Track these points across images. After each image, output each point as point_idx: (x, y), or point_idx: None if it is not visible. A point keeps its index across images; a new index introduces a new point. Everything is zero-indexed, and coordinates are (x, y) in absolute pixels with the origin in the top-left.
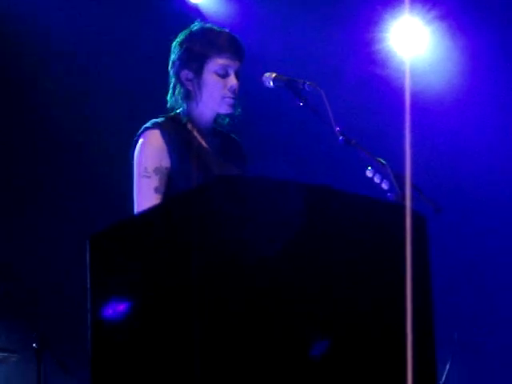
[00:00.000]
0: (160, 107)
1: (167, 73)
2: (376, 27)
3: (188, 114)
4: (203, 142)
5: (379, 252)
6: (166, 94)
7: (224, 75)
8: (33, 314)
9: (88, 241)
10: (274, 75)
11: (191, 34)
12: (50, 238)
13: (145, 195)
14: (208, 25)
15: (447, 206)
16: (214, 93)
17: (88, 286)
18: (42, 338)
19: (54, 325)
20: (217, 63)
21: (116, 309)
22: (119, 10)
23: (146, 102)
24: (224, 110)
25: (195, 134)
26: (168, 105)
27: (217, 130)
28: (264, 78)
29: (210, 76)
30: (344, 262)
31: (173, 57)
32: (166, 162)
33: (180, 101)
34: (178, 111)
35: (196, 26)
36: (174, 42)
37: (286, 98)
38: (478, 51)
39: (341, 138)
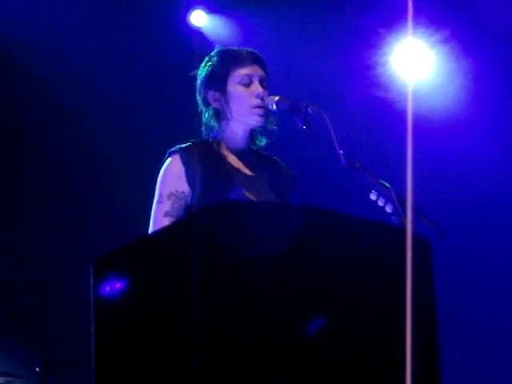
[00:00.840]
0: (166, 130)
1: (170, 96)
2: (379, 50)
3: (221, 135)
4: (236, 163)
5: (383, 276)
6: (172, 117)
7: (248, 84)
8: (36, 338)
9: (92, 264)
10: (277, 98)
11: (211, 57)
12: (55, 260)
13: (155, 219)
14: (225, 47)
15: (451, 229)
16: (242, 103)
17: (91, 310)
18: (45, 362)
19: (58, 349)
20: (239, 74)
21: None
22: (123, 33)
23: (150, 123)
24: (255, 121)
25: (227, 155)
26: (203, 134)
27: (257, 151)
28: (267, 101)
29: (234, 88)
30: (347, 286)
31: (197, 83)
32: (182, 187)
33: (211, 123)
34: (211, 136)
35: (215, 49)
36: (198, 70)
37: (289, 121)
38: (481, 74)
39: (344, 160)
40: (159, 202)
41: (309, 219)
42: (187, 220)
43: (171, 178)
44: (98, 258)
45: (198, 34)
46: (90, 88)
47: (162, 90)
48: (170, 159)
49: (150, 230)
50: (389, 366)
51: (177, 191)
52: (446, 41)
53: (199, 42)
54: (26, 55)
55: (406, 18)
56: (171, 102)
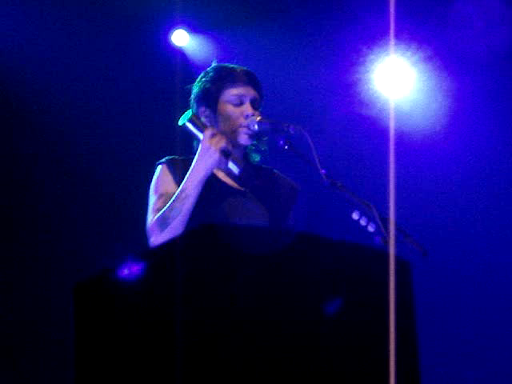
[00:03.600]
0: (148, 148)
1: (152, 115)
2: (361, 68)
3: None
4: (225, 178)
5: (364, 299)
6: (154, 137)
7: (239, 104)
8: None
9: (72, 289)
10: (258, 118)
11: (205, 73)
12: (36, 286)
13: (151, 216)
14: (222, 63)
15: (433, 248)
16: (230, 122)
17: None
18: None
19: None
20: (230, 93)
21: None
22: (104, 52)
23: (131, 142)
24: (243, 140)
25: (216, 171)
26: (194, 149)
27: (254, 165)
28: (249, 122)
29: (224, 107)
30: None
31: (191, 99)
32: (172, 189)
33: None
34: None
35: (211, 65)
36: (192, 85)
37: (271, 140)
38: (463, 93)
39: (326, 180)
40: (154, 203)
41: (289, 243)
42: (165, 248)
43: (161, 182)
44: (79, 282)
45: (179, 53)
46: (70, 106)
47: (144, 109)
48: (159, 167)
49: (147, 225)
50: None
51: (167, 192)
52: (427, 59)
53: (181, 61)
54: (6, 69)
55: (388, 36)
56: (153, 121)
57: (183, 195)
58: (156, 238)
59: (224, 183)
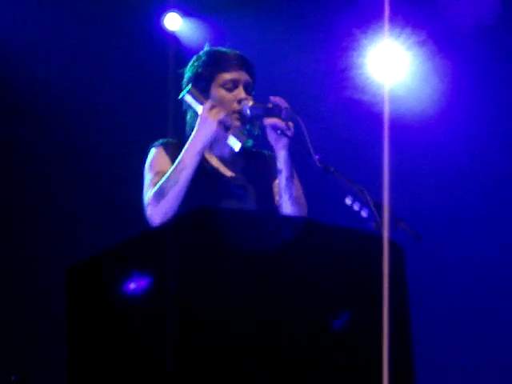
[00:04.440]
0: (140, 133)
1: (144, 99)
2: (355, 52)
3: None
4: (217, 164)
5: (358, 282)
6: (146, 121)
7: (232, 89)
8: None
9: (65, 273)
10: (251, 103)
11: (198, 57)
12: (28, 271)
13: (146, 189)
14: (215, 47)
15: (427, 233)
16: (222, 107)
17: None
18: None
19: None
20: (223, 78)
21: None
22: (97, 35)
23: (123, 125)
24: (236, 125)
25: (208, 155)
26: (186, 133)
27: (246, 150)
28: (241, 106)
29: (217, 91)
30: (321, 294)
31: (183, 83)
32: (168, 168)
33: (194, 124)
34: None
35: (204, 49)
36: (185, 69)
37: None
38: (457, 76)
39: (319, 165)
40: (150, 180)
41: (282, 227)
42: (159, 231)
43: (156, 162)
44: (70, 267)
45: (172, 37)
46: (63, 90)
47: (137, 93)
48: (153, 149)
49: (144, 199)
50: (366, 368)
51: (164, 169)
52: (421, 43)
53: (174, 45)
54: None
55: (383, 20)
56: (145, 105)
57: (180, 166)
58: (152, 210)
59: (214, 169)
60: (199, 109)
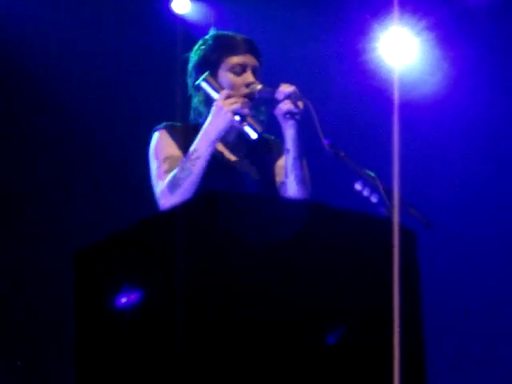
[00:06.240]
0: (149, 116)
1: (153, 83)
2: (365, 37)
3: None
4: (221, 148)
5: (369, 268)
6: (154, 104)
7: (240, 73)
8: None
9: (73, 258)
10: (259, 87)
11: (204, 41)
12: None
13: (157, 179)
14: (221, 31)
15: (437, 219)
16: (232, 91)
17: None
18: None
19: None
20: (231, 62)
21: None
22: (104, 20)
23: (132, 109)
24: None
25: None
26: (190, 117)
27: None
28: (250, 90)
29: (225, 75)
30: (332, 279)
31: (189, 67)
32: (175, 152)
33: (200, 108)
34: (200, 121)
35: (210, 33)
36: (191, 53)
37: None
38: (468, 61)
39: (329, 150)
40: (158, 167)
41: (291, 211)
42: (167, 215)
43: (161, 147)
44: (79, 251)
45: (180, 20)
46: (69, 74)
47: (144, 77)
48: (156, 133)
49: (156, 190)
50: (375, 357)
51: (171, 155)
52: (431, 28)
53: (182, 29)
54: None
55: (393, 5)
56: (153, 89)
57: (194, 155)
58: (166, 201)
59: (221, 154)
60: (216, 96)
